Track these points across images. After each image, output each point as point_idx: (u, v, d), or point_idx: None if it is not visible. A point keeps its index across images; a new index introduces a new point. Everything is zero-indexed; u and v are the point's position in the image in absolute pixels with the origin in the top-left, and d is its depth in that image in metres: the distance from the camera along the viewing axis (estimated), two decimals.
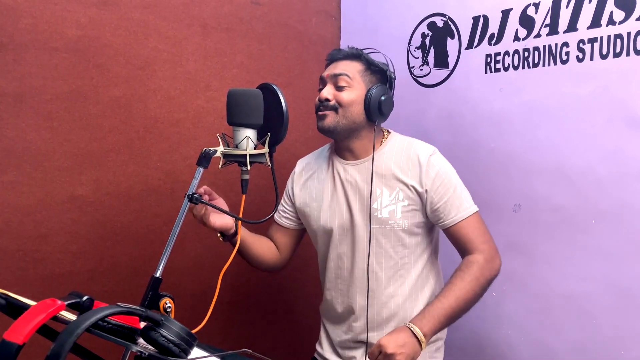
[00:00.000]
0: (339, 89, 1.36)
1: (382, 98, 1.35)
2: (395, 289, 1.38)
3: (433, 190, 1.33)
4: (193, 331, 0.76)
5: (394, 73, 1.42)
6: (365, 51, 1.41)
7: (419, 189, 1.33)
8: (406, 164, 1.36)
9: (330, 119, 1.35)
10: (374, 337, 1.38)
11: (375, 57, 1.42)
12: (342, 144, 1.43)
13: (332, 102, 1.35)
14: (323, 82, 1.40)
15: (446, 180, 1.34)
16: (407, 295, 1.38)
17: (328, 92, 1.36)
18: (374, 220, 1.36)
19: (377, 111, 1.35)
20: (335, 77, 1.36)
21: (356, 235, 1.39)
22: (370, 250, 1.36)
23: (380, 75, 1.40)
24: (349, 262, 1.41)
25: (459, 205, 1.33)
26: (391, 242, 1.36)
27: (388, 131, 1.46)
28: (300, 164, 1.57)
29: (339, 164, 1.44)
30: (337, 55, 1.41)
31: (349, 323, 1.43)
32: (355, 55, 1.39)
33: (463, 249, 1.35)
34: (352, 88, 1.35)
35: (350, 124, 1.36)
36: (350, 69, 1.36)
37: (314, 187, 1.48)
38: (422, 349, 1.19)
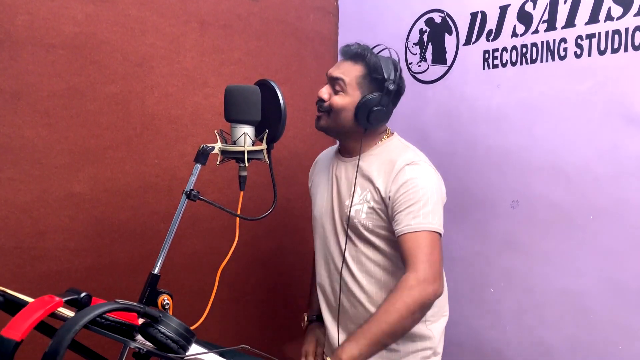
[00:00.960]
0: (335, 91, 1.35)
1: (374, 109, 1.30)
2: (375, 292, 1.35)
3: (395, 199, 1.27)
4: (191, 328, 0.76)
5: (401, 80, 1.35)
6: (376, 50, 1.35)
7: (383, 194, 1.30)
8: (383, 169, 1.33)
9: (323, 121, 1.37)
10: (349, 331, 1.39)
11: (385, 55, 1.35)
12: (341, 142, 1.46)
13: (327, 104, 1.35)
14: (327, 79, 1.39)
15: (411, 191, 1.25)
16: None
17: (326, 91, 1.36)
18: (345, 217, 1.37)
19: (365, 121, 1.31)
20: (333, 80, 1.35)
21: (337, 231, 1.40)
22: (346, 249, 1.37)
23: (383, 83, 1.33)
24: (330, 258, 1.44)
25: (413, 218, 1.23)
26: (362, 242, 1.35)
27: (392, 133, 1.44)
28: (316, 159, 1.62)
29: (335, 160, 1.47)
30: (345, 53, 1.38)
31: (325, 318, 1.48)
32: (361, 56, 1.33)
33: (404, 265, 1.23)
34: (345, 94, 1.32)
35: (339, 127, 1.36)
36: (349, 74, 1.33)
37: (317, 180, 1.53)
38: None
